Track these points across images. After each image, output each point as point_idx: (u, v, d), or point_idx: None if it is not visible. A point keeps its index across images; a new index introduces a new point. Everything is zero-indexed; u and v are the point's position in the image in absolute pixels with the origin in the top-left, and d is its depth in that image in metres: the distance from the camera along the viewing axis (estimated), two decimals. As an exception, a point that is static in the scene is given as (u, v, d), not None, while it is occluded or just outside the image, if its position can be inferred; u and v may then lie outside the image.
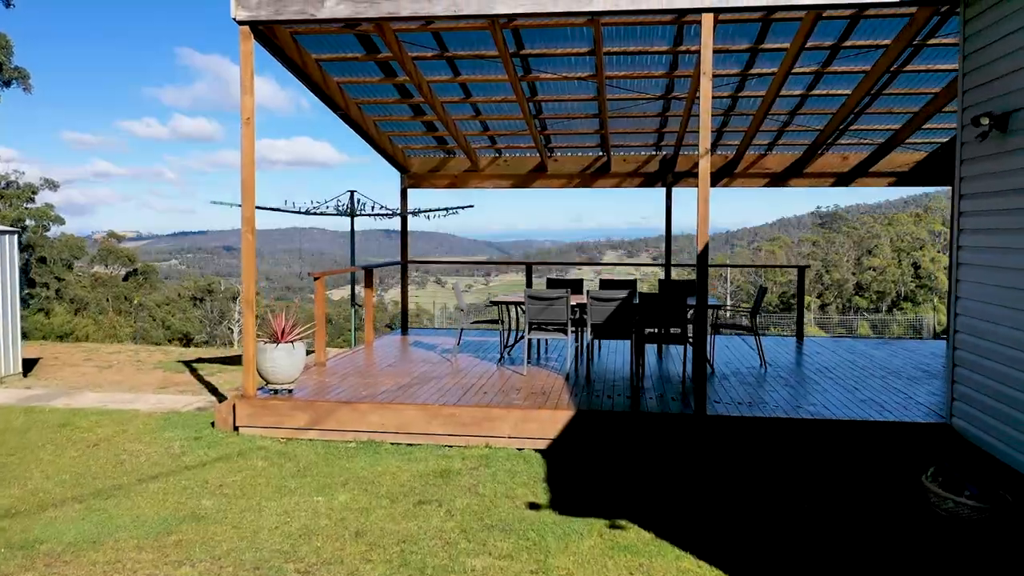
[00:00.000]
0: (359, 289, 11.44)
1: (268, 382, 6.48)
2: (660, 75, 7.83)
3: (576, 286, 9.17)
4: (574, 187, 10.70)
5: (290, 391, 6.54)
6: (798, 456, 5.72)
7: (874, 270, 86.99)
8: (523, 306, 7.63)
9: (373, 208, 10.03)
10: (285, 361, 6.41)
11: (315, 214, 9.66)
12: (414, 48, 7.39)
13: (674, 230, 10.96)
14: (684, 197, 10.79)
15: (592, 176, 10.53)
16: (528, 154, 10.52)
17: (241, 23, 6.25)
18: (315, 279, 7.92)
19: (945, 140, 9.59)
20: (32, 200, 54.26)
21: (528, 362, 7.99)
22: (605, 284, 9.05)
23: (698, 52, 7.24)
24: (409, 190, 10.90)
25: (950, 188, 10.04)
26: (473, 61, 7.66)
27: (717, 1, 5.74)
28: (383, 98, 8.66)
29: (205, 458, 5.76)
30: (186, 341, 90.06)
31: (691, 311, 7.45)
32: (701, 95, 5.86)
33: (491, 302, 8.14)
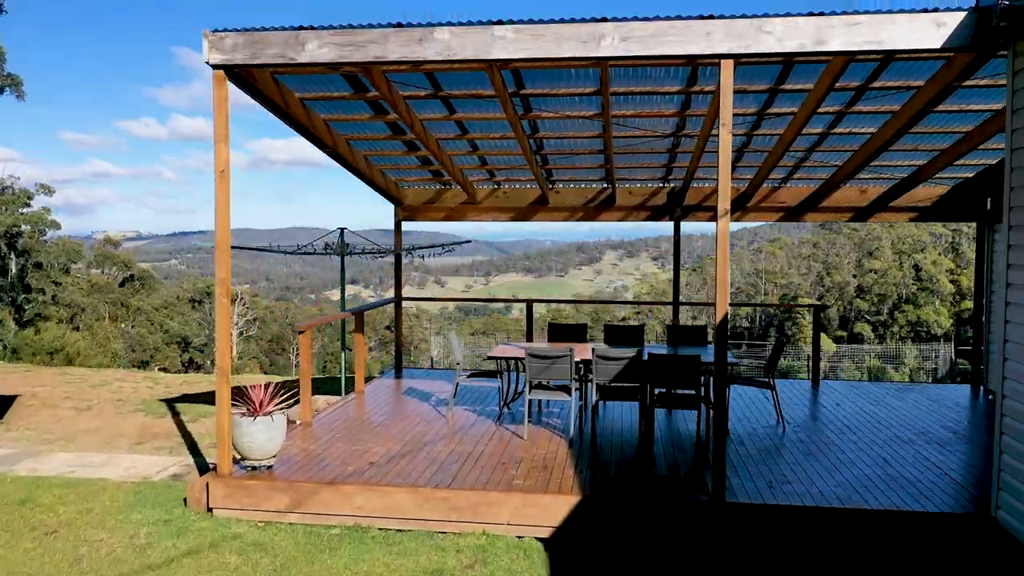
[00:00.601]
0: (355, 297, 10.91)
1: (245, 458, 5.94)
2: (671, 114, 7.29)
3: (579, 332, 8.63)
4: (577, 220, 10.17)
5: (270, 467, 6.00)
6: (827, 550, 5.18)
7: (875, 272, 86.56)
8: (523, 360, 7.10)
9: (364, 248, 9.49)
10: (263, 436, 5.86)
11: (304, 254, 9.12)
12: (406, 88, 6.85)
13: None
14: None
15: (596, 209, 9.98)
16: (528, 186, 9.98)
17: (215, 67, 5.71)
18: (299, 333, 7.37)
19: (970, 175, 9.05)
20: (28, 205, 53.77)
21: (529, 420, 7.45)
22: (611, 332, 8.51)
23: (713, 93, 6.71)
24: (404, 222, 10.37)
25: (975, 223, 9.49)
26: (469, 100, 7.12)
27: (739, 47, 5.20)
28: (374, 134, 8.12)
29: (172, 551, 5.22)
30: (184, 345, 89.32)
31: (706, 366, 6.92)
32: (720, 148, 5.32)
33: (489, 358, 7.60)
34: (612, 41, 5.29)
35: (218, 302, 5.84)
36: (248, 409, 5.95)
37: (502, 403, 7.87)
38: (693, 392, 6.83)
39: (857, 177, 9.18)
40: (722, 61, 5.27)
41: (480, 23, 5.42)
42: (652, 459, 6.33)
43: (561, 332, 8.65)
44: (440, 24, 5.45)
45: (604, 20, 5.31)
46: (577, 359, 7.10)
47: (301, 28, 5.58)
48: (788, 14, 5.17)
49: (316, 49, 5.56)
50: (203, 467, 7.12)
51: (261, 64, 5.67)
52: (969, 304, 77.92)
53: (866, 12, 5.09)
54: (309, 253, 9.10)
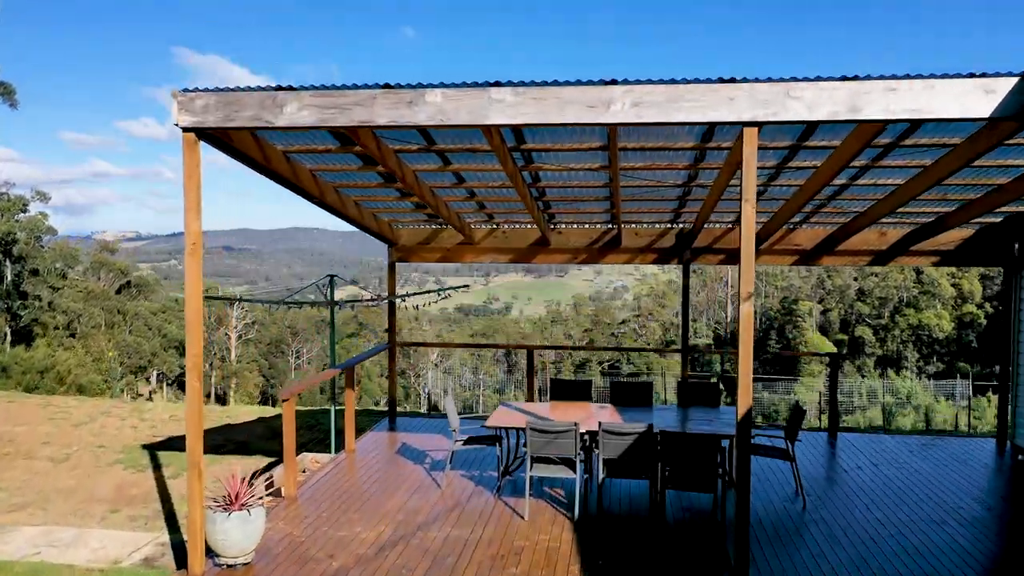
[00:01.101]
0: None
1: (219, 555, 5.42)
2: (684, 167, 6.77)
3: (583, 390, 8.11)
4: (580, 262, 9.66)
5: (247, 563, 5.48)
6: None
7: (876, 276, 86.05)
8: (523, 428, 6.58)
9: (356, 297, 8.96)
10: (238, 533, 5.34)
11: (291, 303, 8.60)
12: (396, 141, 6.33)
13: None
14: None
15: (601, 251, 9.47)
16: (528, 226, 9.47)
17: (186, 130, 5.19)
18: (283, 401, 6.84)
19: (998, 220, 8.53)
20: (24, 211, 53.21)
21: (530, 492, 6.92)
22: (618, 390, 7.98)
23: (729, 148, 6.19)
24: (398, 263, 9.86)
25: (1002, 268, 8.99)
26: (466, 153, 6.60)
27: (764, 114, 4.68)
28: (365, 182, 7.60)
29: (136, 674, 4.71)
30: (182, 350, 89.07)
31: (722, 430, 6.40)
32: (743, 224, 4.81)
33: (485, 427, 7.08)
34: (622, 106, 4.78)
35: (189, 386, 5.32)
36: (222, 502, 5.43)
37: (501, 471, 7.35)
38: (709, 471, 6.31)
39: (877, 220, 8.67)
40: (745, 129, 4.75)
41: (476, 85, 4.90)
42: (665, 547, 5.81)
43: (564, 389, 8.13)
44: (432, 85, 4.94)
45: (613, 82, 4.80)
46: (582, 430, 6.59)
47: (279, 88, 5.07)
48: (819, 78, 4.66)
49: (296, 112, 5.04)
50: (179, 546, 6.60)
51: (236, 127, 5.16)
52: (971, 308, 77.44)
53: (906, 77, 4.58)
54: (297, 304, 8.58)
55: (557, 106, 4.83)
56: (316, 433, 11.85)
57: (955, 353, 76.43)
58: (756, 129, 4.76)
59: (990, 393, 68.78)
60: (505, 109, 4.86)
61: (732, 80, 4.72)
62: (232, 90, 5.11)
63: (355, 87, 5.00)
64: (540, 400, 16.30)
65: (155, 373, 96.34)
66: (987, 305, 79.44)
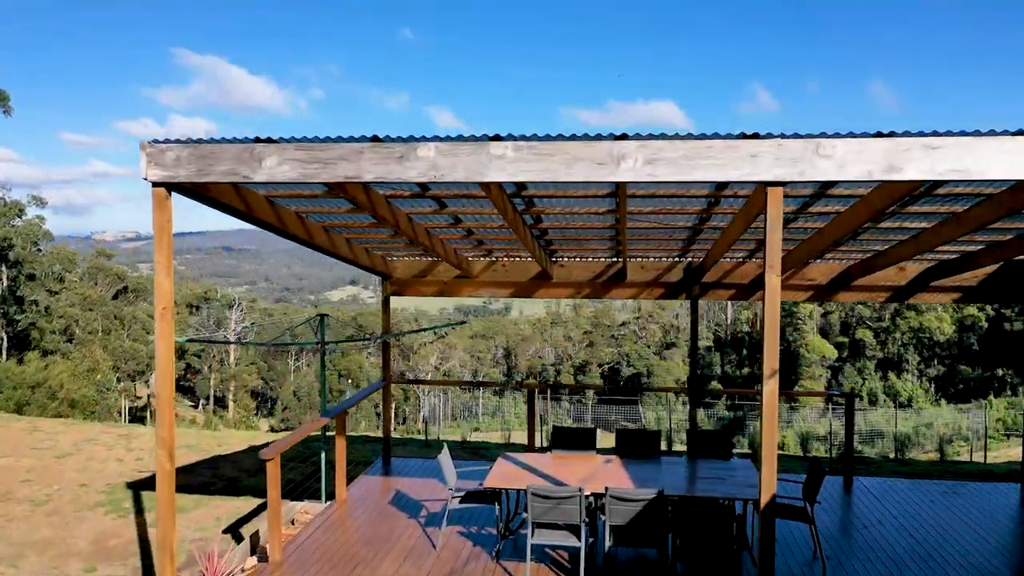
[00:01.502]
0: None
1: (194, 645, 4.98)
2: (696, 211, 6.33)
3: (587, 438, 7.67)
4: (583, 297, 9.23)
5: (224, 652, 5.04)
6: None
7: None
8: (523, 487, 6.14)
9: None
10: (215, 623, 4.91)
11: (280, 346, 8.14)
12: (388, 187, 5.88)
13: None
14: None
15: (604, 285, 9.03)
16: (529, 259, 9.03)
17: (156, 184, 4.75)
18: (266, 461, 6.40)
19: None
20: (20, 216, 52.81)
21: (532, 557, 6.47)
22: (624, 437, 7.55)
23: (747, 197, 5.74)
24: (392, 297, 9.42)
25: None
26: (463, 198, 6.16)
27: (791, 173, 4.25)
28: (355, 222, 7.16)
29: None
30: (180, 354, 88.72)
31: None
32: (766, 297, 4.38)
33: (482, 486, 6.63)
34: (634, 163, 4.34)
35: (159, 466, 4.88)
36: (198, 588, 4.99)
37: (501, 532, 6.90)
38: (724, 543, 5.87)
39: (898, 261, 8.23)
40: (769, 189, 4.32)
41: (474, 138, 4.47)
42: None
43: (567, 438, 7.69)
44: (425, 139, 4.50)
45: (624, 137, 4.37)
46: (588, 492, 6.15)
47: (258, 140, 4.63)
48: (852, 134, 4.22)
49: (275, 166, 4.60)
50: (156, 618, 6.16)
51: (210, 182, 4.73)
52: (972, 310, 76.98)
53: (949, 134, 4.14)
54: (283, 345, 8.12)
55: (563, 163, 4.39)
56: (308, 466, 11.42)
57: (956, 356, 76.06)
58: (781, 189, 4.32)
59: (991, 396, 68.27)
60: (505, 166, 4.43)
61: (755, 135, 4.28)
62: (207, 142, 4.68)
63: (340, 140, 4.57)
64: (545, 424, 15.84)
65: (153, 376, 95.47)
66: (988, 308, 79.14)
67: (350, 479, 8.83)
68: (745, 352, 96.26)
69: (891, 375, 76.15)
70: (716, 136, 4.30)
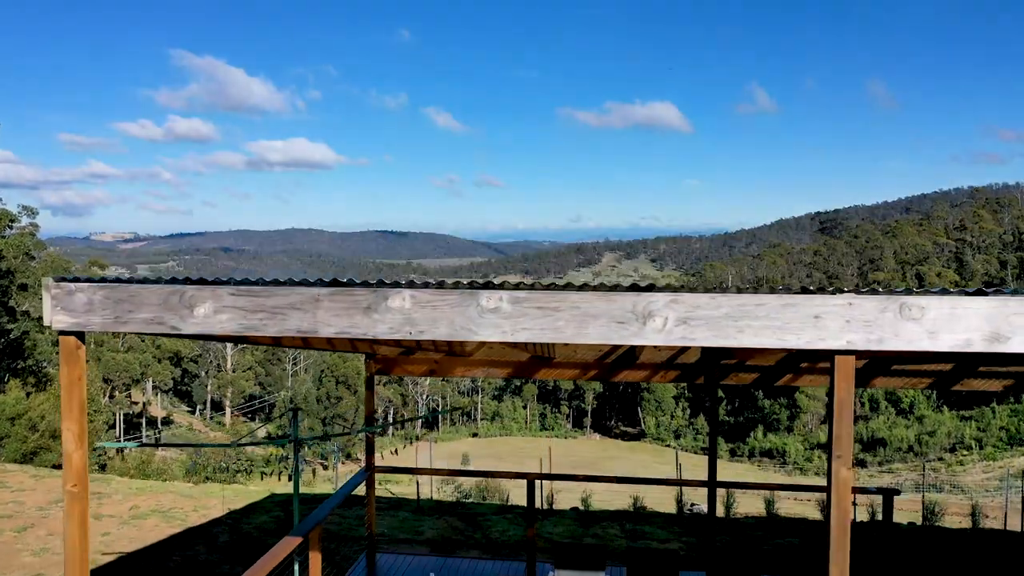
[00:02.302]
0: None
1: None
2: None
3: (596, 560, 6.72)
4: (589, 379, 8.31)
5: None
6: None
7: (879, 284, 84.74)
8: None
9: (325, 425, 7.57)
10: None
11: (251, 444, 7.22)
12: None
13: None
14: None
15: (612, 367, 8.09)
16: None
17: (64, 333, 3.81)
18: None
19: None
20: (11, 226, 51.87)
21: None
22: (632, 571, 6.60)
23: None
24: (377, 375, 8.48)
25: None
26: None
27: (866, 340, 3.31)
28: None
29: None
30: (176, 360, 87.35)
31: None
32: (834, 493, 3.44)
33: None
34: (664, 323, 3.41)
35: (72, 675, 3.94)
36: None
37: None
38: None
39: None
40: (837, 358, 3.38)
41: (460, 285, 3.53)
42: None
43: (571, 557, 6.75)
44: (399, 285, 3.57)
45: (651, 289, 3.44)
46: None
47: (189, 282, 3.69)
48: (944, 292, 3.29)
49: (211, 315, 3.67)
50: None
51: (129, 332, 3.78)
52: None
53: (1073, 294, 3.21)
54: (256, 443, 7.18)
55: (573, 320, 3.46)
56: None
57: (958, 362, 75.28)
58: (852, 359, 3.38)
59: (994, 403, 67.07)
60: (500, 322, 3.49)
61: (820, 290, 3.34)
62: (125, 282, 3.74)
63: (292, 284, 3.64)
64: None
65: (150, 383, 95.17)
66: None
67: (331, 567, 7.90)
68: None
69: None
70: (772, 290, 3.36)
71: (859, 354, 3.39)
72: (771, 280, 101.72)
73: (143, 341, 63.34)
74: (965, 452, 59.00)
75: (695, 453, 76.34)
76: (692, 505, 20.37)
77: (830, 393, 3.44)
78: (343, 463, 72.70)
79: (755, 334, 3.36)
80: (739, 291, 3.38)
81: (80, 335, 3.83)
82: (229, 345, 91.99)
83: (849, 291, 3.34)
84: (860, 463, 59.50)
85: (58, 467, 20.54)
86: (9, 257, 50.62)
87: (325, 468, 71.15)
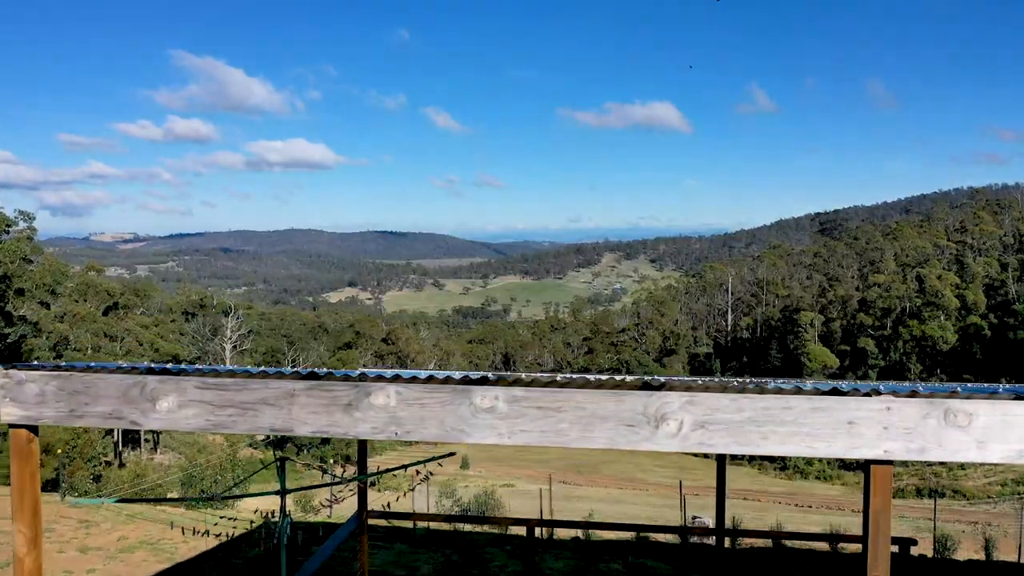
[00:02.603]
0: None
1: None
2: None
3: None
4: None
5: None
6: None
7: (879, 287, 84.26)
8: None
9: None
10: None
11: (225, 498, 6.86)
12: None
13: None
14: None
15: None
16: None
17: (14, 427, 3.44)
18: None
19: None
20: (7, 232, 51.52)
21: None
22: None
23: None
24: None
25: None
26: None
27: (906, 448, 2.95)
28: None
29: None
30: (176, 362, 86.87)
31: None
32: (866, 615, 3.07)
33: None
34: (678, 427, 3.05)
35: None
36: None
37: None
38: None
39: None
40: (873, 467, 3.02)
41: (451, 380, 3.18)
42: None
43: None
44: (383, 379, 3.21)
45: (665, 387, 3.07)
46: None
47: (151, 372, 3.33)
48: (994, 394, 2.93)
49: (175, 409, 3.31)
50: None
51: (86, 425, 3.42)
52: (976, 319, 75.64)
53: None
54: (240, 496, 6.82)
55: (578, 422, 3.10)
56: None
57: (959, 365, 74.74)
58: (890, 468, 3.02)
59: None
60: (496, 423, 3.13)
61: (854, 392, 2.98)
62: (81, 370, 3.38)
63: (265, 376, 3.28)
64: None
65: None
66: (991, 316, 77.65)
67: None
68: (746, 359, 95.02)
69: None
70: (799, 391, 3.01)
71: (895, 463, 3.03)
72: (771, 283, 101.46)
73: (141, 344, 62.85)
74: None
75: (695, 456, 76.06)
76: (695, 518, 20.01)
77: (865, 504, 3.08)
78: (343, 467, 72.38)
79: (781, 441, 3.00)
80: (762, 391, 3.02)
81: (33, 428, 3.46)
82: (228, 348, 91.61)
83: (887, 392, 2.98)
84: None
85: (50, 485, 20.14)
86: (6, 262, 50.30)
87: (324, 471, 70.78)
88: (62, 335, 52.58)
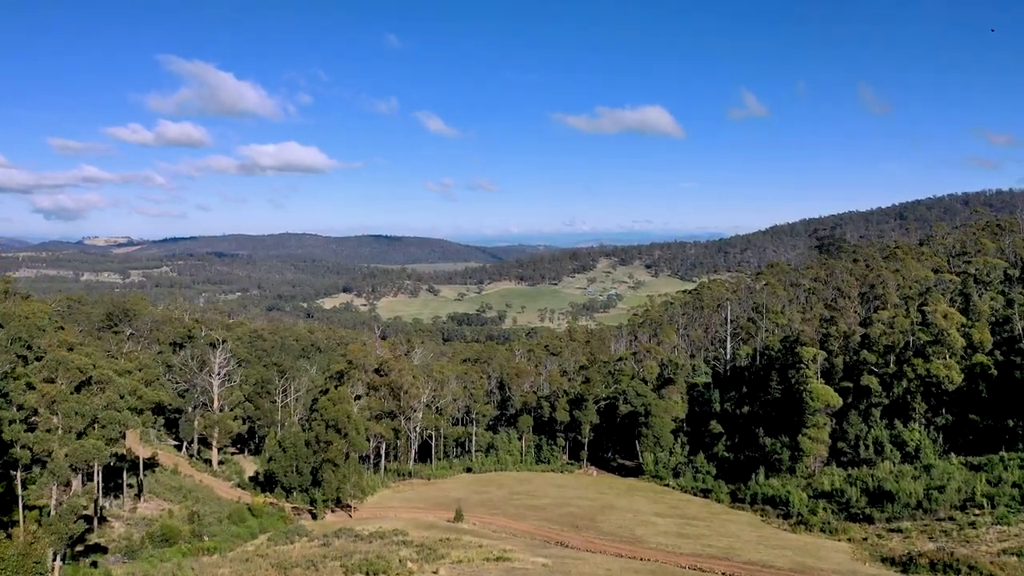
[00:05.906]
0: None
1: None
2: None
3: None
4: None
5: None
6: None
7: (883, 323, 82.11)
8: None
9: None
10: None
11: None
12: None
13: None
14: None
15: None
16: None
17: None
18: None
19: None
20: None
21: None
22: None
23: None
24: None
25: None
26: None
27: None
28: None
29: None
30: (159, 410, 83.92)
31: None
32: None
33: None
34: None
35: None
36: None
37: None
38: None
39: None
40: None
41: None
42: None
43: None
44: None
45: None
46: None
47: None
48: None
49: None
50: None
51: None
52: (982, 357, 73.62)
53: None
54: None
55: None
56: None
57: (965, 404, 72.74)
58: None
59: (1003, 451, 64.53)
60: None
61: None
62: None
63: None
64: None
65: (151, 431, 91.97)
66: (997, 353, 75.51)
67: None
68: (745, 389, 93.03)
69: (897, 423, 72.71)
70: None
71: None
72: (772, 312, 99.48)
73: (122, 397, 60.46)
74: (976, 512, 56.60)
75: (694, 495, 73.89)
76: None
77: None
78: (332, 510, 70.31)
79: None
80: None
81: None
82: (216, 383, 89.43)
83: None
84: (867, 519, 57.22)
85: None
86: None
87: (314, 517, 68.70)
88: (32, 410, 50.11)
